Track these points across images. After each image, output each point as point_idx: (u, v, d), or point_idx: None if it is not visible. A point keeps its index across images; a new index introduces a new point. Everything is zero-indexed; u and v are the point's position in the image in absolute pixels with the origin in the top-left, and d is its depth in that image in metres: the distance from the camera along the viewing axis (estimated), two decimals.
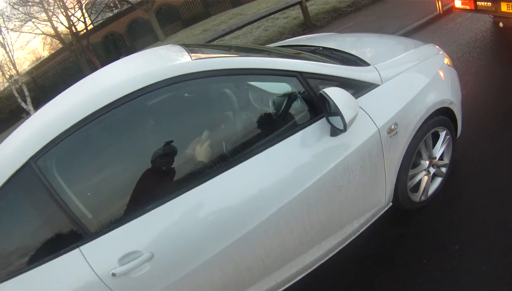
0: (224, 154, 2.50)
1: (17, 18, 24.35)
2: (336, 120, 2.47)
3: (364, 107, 2.73)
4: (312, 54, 3.32)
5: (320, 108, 2.59)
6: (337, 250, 2.90)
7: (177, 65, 2.39)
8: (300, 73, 2.59)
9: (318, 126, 2.59)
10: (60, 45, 29.85)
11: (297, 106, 2.64)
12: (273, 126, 2.61)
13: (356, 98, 2.65)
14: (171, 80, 2.30)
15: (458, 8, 6.29)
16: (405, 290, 2.83)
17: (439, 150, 3.35)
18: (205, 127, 2.67)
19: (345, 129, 2.42)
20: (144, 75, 2.30)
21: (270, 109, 2.76)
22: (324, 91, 2.47)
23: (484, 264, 2.77)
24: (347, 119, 2.37)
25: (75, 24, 26.14)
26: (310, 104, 2.62)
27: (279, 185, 2.44)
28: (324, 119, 2.59)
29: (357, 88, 2.78)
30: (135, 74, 2.36)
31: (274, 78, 2.64)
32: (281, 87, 2.67)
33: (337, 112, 2.39)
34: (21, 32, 25.15)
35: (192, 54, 2.57)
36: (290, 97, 2.63)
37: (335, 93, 2.44)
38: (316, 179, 2.52)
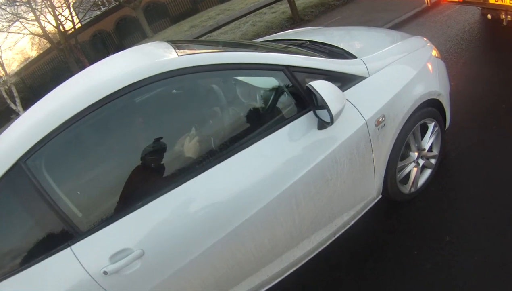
0: (213, 149, 2.50)
1: (4, 19, 24.12)
2: (323, 114, 2.47)
3: (352, 100, 2.73)
4: (299, 48, 3.32)
5: (307, 101, 2.60)
6: (328, 243, 2.91)
7: (163, 62, 2.38)
8: (287, 67, 2.59)
9: (306, 120, 2.60)
10: (48, 45, 29.61)
11: (284, 100, 2.65)
12: (261, 120, 2.62)
13: (343, 91, 2.67)
14: (157, 76, 2.29)
15: (446, 1, 6.28)
16: (396, 283, 2.85)
17: (428, 141, 3.36)
18: (193, 123, 2.67)
19: (332, 122, 2.43)
20: (130, 72, 2.29)
21: (258, 103, 2.77)
22: (310, 85, 2.47)
23: (475, 255, 2.79)
24: (333, 112, 2.37)
25: (63, 23, 25.93)
26: (297, 98, 2.63)
27: (267, 179, 2.45)
28: (311, 112, 2.60)
29: (344, 81, 2.79)
30: (122, 71, 2.35)
31: (261, 73, 2.64)
32: (268, 82, 2.68)
33: (324, 106, 2.39)
34: (9, 32, 24.93)
35: (178, 50, 2.57)
36: (277, 91, 2.64)
37: (321, 87, 2.44)
38: (304, 173, 2.53)
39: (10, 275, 2.13)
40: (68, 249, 2.15)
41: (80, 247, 2.16)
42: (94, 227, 2.20)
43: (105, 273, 2.14)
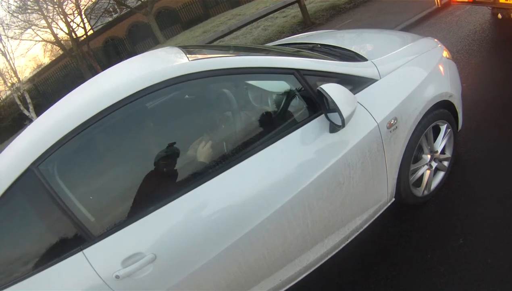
0: (225, 153, 2.50)
1: (16, 26, 24.45)
2: (334, 117, 2.47)
3: (363, 103, 2.72)
4: (310, 52, 3.32)
5: (318, 105, 2.59)
6: (341, 247, 2.89)
7: (174, 67, 2.39)
8: (297, 70, 2.59)
9: (317, 123, 2.59)
10: (60, 52, 29.92)
11: (296, 103, 2.64)
12: (273, 124, 2.62)
13: (354, 94, 2.65)
14: (168, 81, 2.30)
15: (456, 1, 6.26)
16: (410, 286, 2.82)
17: (440, 143, 3.33)
18: (205, 127, 2.68)
19: (343, 125, 2.42)
20: (141, 78, 2.30)
21: (269, 107, 2.77)
22: (321, 88, 2.46)
23: (489, 257, 2.75)
24: (345, 115, 2.36)
25: (75, 30, 26.23)
26: (309, 101, 2.62)
27: (279, 183, 2.44)
28: (323, 116, 2.59)
29: (355, 84, 2.78)
30: (133, 77, 2.36)
31: (272, 77, 2.64)
32: (279, 85, 2.68)
33: (335, 109, 2.39)
34: (21, 39, 25.26)
35: (189, 55, 2.57)
36: (289, 95, 2.64)
37: (332, 90, 2.43)
38: (317, 176, 2.52)
39: (22, 279, 2.14)
40: (80, 253, 2.16)
41: (92, 251, 2.17)
42: (106, 231, 2.20)
43: (117, 277, 2.15)
